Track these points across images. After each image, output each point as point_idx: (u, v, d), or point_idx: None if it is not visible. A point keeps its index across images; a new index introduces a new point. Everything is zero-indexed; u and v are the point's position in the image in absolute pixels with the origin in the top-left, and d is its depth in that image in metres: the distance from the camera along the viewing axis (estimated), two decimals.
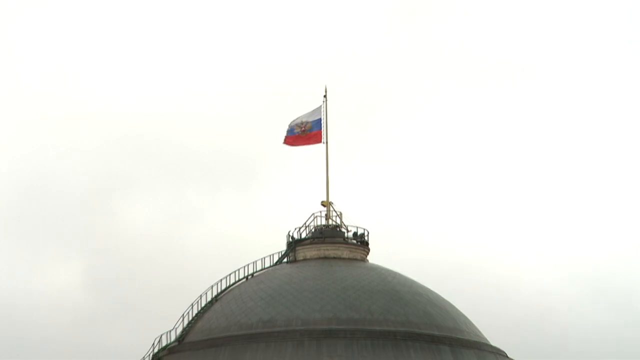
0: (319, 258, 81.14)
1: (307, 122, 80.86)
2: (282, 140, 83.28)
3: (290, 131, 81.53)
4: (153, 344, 77.11)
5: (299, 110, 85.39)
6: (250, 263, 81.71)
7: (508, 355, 78.83)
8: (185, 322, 77.72)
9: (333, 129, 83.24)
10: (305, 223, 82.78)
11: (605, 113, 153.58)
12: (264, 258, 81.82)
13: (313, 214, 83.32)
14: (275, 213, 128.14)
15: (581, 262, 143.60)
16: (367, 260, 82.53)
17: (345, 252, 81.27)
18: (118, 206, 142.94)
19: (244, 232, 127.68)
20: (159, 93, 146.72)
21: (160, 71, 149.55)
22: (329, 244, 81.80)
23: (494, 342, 79.43)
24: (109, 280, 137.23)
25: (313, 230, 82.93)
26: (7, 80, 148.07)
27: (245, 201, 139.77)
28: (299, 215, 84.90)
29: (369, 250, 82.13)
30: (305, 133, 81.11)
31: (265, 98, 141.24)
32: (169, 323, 79.67)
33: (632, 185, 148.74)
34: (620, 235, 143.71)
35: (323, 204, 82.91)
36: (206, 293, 79.27)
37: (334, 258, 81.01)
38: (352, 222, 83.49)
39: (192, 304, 78.25)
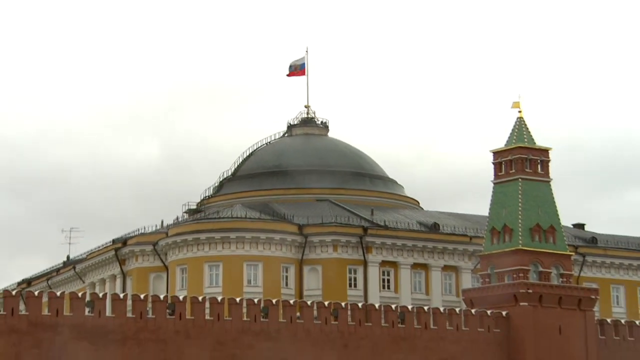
0: (303, 134, 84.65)
1: (298, 65, 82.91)
2: (287, 74, 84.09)
3: (290, 69, 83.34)
4: (219, 176, 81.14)
5: (290, 58, 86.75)
6: (268, 136, 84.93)
7: (397, 182, 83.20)
8: (236, 165, 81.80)
9: (312, 68, 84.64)
10: (296, 116, 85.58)
11: None
12: (275, 134, 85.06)
13: (300, 111, 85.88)
14: (280, 112, 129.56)
15: None
16: (328, 136, 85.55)
17: (316, 131, 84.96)
18: (172, 113, 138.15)
19: (263, 124, 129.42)
20: (197, 52, 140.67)
21: (196, 41, 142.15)
22: (307, 126, 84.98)
23: (391, 175, 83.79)
24: (174, 153, 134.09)
25: (300, 119, 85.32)
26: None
27: (257, 110, 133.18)
28: (292, 113, 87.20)
29: (328, 130, 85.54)
30: (297, 70, 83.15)
31: (266, 49, 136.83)
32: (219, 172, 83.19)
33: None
34: None
35: (305, 106, 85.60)
36: (249, 149, 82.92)
37: (310, 134, 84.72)
38: (320, 116, 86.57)
39: (239, 156, 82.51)
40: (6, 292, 52.92)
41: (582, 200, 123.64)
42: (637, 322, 67.59)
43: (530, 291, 61.51)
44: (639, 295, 77.88)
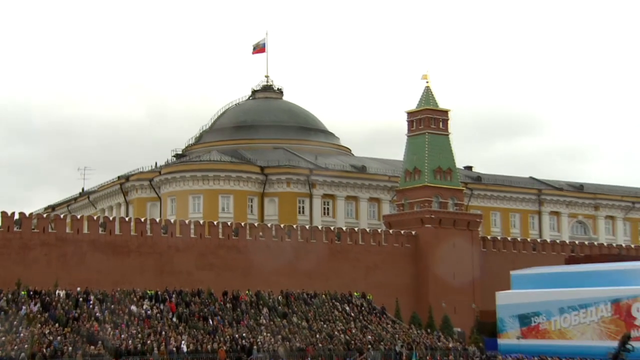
0: (264, 98, 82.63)
1: (261, 44, 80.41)
2: (252, 52, 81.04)
3: (255, 48, 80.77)
4: (200, 128, 79.82)
5: (254, 39, 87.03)
6: (236, 99, 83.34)
7: (335, 135, 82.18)
8: (212, 120, 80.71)
9: (270, 47, 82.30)
10: (258, 84, 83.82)
11: None
12: (243, 97, 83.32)
13: (261, 80, 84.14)
14: (246, 81, 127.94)
15: None
16: (283, 99, 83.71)
17: (273, 95, 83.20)
18: (155, 82, 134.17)
19: (232, 89, 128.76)
20: (179, 33, 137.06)
21: (179, 26, 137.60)
22: (267, 92, 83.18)
23: (330, 129, 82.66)
24: (158, 110, 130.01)
25: (261, 86, 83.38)
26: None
27: (228, 78, 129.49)
28: (255, 82, 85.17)
29: (283, 95, 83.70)
30: (260, 47, 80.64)
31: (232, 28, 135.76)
32: (200, 125, 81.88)
33: None
34: None
35: (265, 76, 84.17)
36: (222, 109, 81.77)
37: (269, 98, 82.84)
38: (277, 84, 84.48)
39: (214, 114, 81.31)
40: (39, 215, 52.21)
41: (471, 149, 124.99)
42: (509, 238, 69.34)
43: (433, 216, 62.26)
44: (510, 219, 79.36)
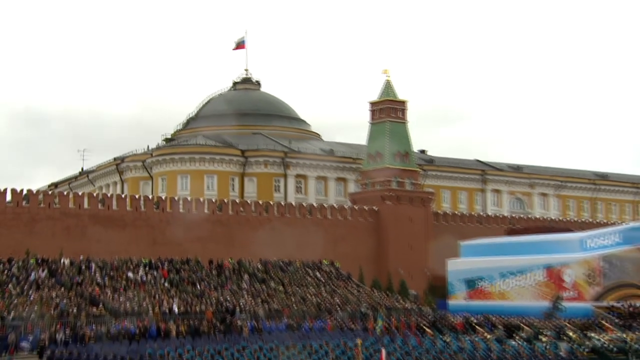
0: (244, 89, 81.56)
1: (242, 41, 79.50)
2: (233, 48, 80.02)
3: (236, 45, 79.56)
4: (187, 116, 78.59)
5: (235, 36, 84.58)
6: (220, 89, 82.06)
7: (306, 122, 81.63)
8: (198, 108, 79.53)
9: (250, 43, 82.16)
10: (238, 76, 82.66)
11: None
12: (225, 88, 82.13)
13: (241, 73, 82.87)
14: (228, 74, 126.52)
15: None
16: (260, 90, 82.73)
17: (252, 87, 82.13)
18: (145, 76, 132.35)
19: (216, 81, 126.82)
20: (166, 33, 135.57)
21: (166, 26, 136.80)
22: (246, 84, 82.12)
23: (302, 117, 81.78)
24: (150, 99, 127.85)
25: (241, 79, 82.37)
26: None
27: (212, 72, 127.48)
28: (236, 75, 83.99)
29: (260, 86, 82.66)
30: (240, 44, 79.52)
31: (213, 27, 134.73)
32: (187, 113, 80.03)
33: None
34: None
35: (245, 70, 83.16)
36: (207, 99, 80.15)
37: (249, 89, 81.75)
38: (255, 76, 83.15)
39: (201, 102, 79.68)
40: (44, 191, 51.56)
41: (425, 134, 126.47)
42: (457, 213, 70.08)
43: (392, 194, 62.56)
44: (458, 196, 79.94)
